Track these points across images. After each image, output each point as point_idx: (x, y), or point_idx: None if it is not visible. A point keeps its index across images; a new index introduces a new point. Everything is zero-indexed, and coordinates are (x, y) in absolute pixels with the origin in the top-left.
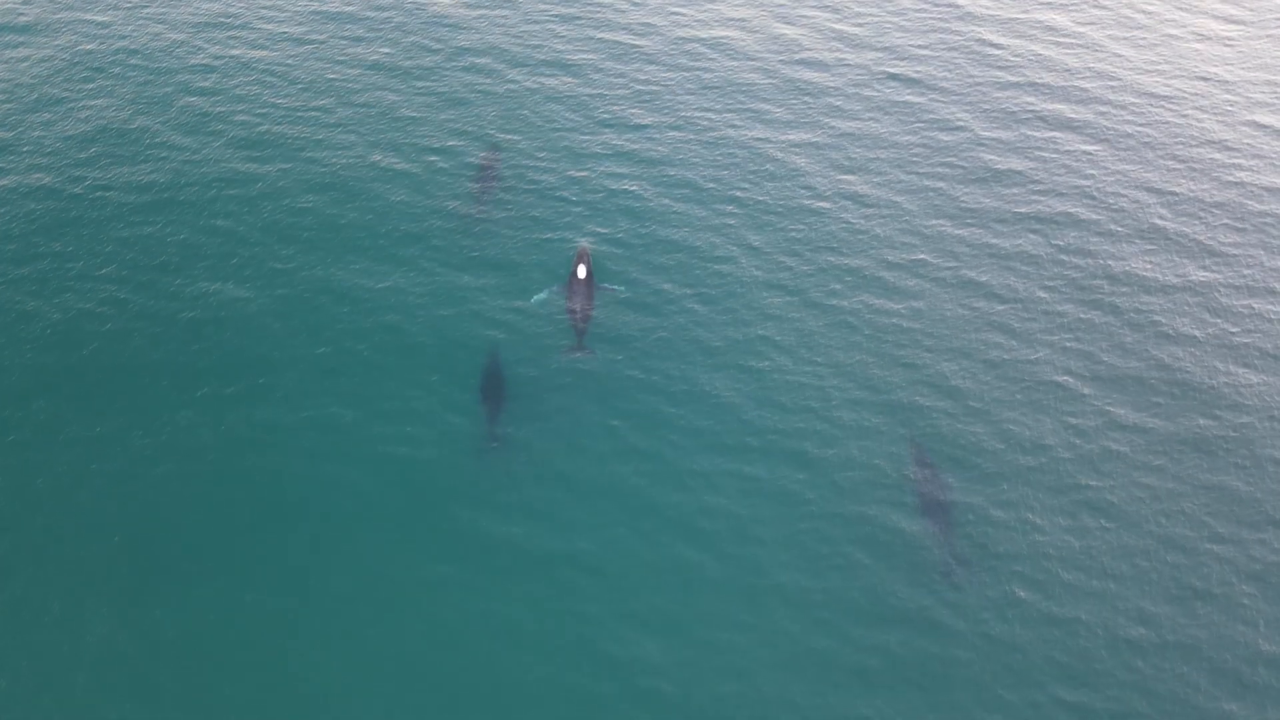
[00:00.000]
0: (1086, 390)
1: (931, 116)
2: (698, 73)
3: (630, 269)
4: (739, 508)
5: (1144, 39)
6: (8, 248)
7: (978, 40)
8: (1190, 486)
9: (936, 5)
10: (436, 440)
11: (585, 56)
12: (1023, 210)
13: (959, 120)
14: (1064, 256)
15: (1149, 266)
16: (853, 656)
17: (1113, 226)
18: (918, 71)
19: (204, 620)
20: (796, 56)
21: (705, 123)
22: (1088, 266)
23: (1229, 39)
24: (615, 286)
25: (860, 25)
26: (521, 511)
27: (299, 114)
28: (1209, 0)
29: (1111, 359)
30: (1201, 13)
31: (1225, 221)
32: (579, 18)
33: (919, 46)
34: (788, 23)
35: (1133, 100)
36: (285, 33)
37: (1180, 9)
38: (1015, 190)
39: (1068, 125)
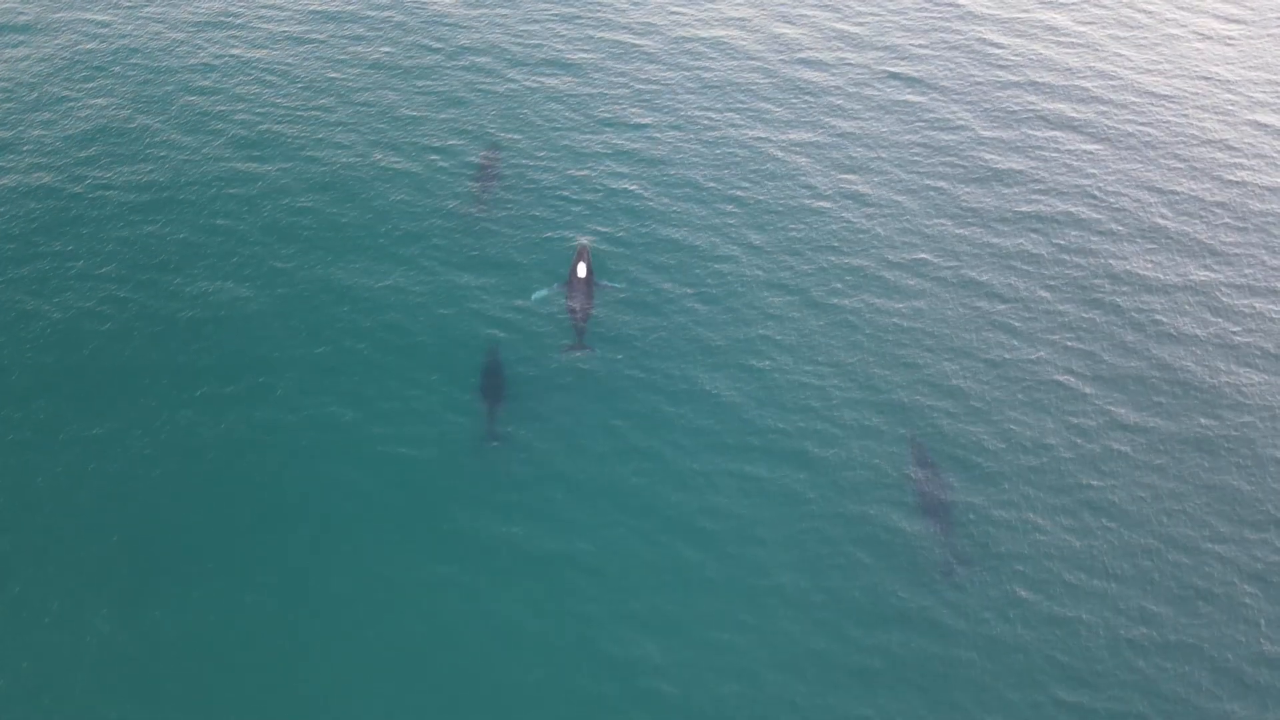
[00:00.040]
0: (1088, 390)
1: (932, 116)
2: (698, 72)
3: (631, 268)
4: (739, 507)
5: (1145, 38)
6: (8, 247)
7: (979, 39)
8: (1192, 486)
9: (937, 4)
10: (436, 440)
11: (586, 56)
12: (1024, 209)
13: (960, 120)
14: (1065, 256)
15: (1150, 266)
16: (853, 657)
17: (1114, 226)
18: (919, 71)
19: (204, 620)
20: (797, 56)
21: (706, 122)
22: (1089, 266)
23: (1230, 38)
24: (615, 284)
25: (861, 24)
26: (521, 511)
27: (299, 113)
28: None
29: (1113, 358)
30: (1202, 12)
31: (1226, 221)
32: (579, 17)
33: (920, 46)
34: (788, 22)
35: (1134, 99)
36: (285, 32)
37: (1181, 8)
38: (1016, 189)
39: (1069, 125)
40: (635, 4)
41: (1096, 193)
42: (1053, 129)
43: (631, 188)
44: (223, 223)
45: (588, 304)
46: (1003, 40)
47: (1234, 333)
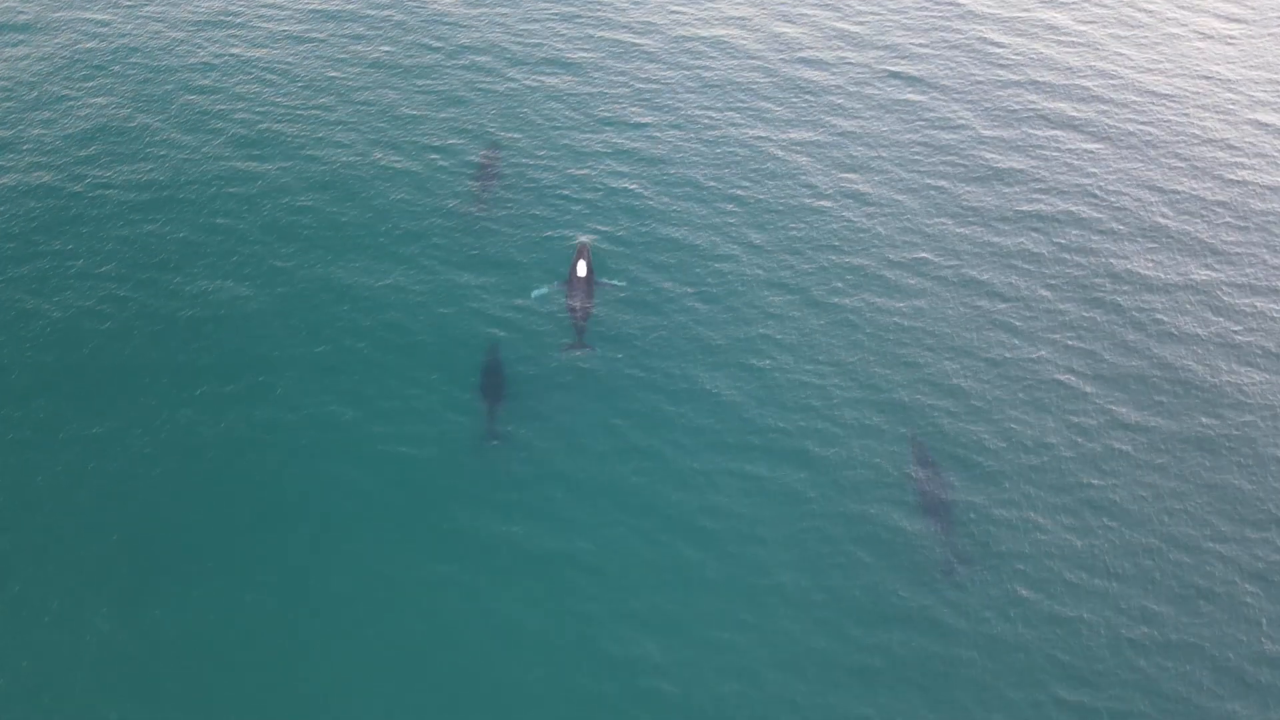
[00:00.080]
0: (1089, 389)
1: (933, 115)
2: (698, 71)
3: (631, 267)
4: (740, 507)
5: (1145, 37)
6: (8, 246)
7: (979, 39)
8: (1193, 485)
9: (938, 3)
10: (436, 439)
11: (586, 55)
12: (1025, 209)
13: (961, 119)
14: (1066, 255)
15: (1151, 265)
16: (854, 656)
17: (1115, 225)
18: (919, 70)
19: (204, 619)
20: (797, 55)
21: (706, 121)
22: (1090, 265)
23: (1231, 37)
24: (615, 282)
25: (861, 24)
26: (521, 510)
27: (299, 112)
28: None
29: (1114, 357)
30: (1203, 11)
31: (1227, 220)
32: (579, 16)
33: (920, 45)
34: (789, 21)
35: (1134, 99)
36: (285, 31)
37: (1182, 7)
38: (1017, 189)
39: (1069, 124)
40: (635, 3)
41: (1097, 192)
42: (1054, 128)
43: (632, 187)
44: (223, 221)
45: (588, 303)
46: (1003, 39)
47: (1235, 332)
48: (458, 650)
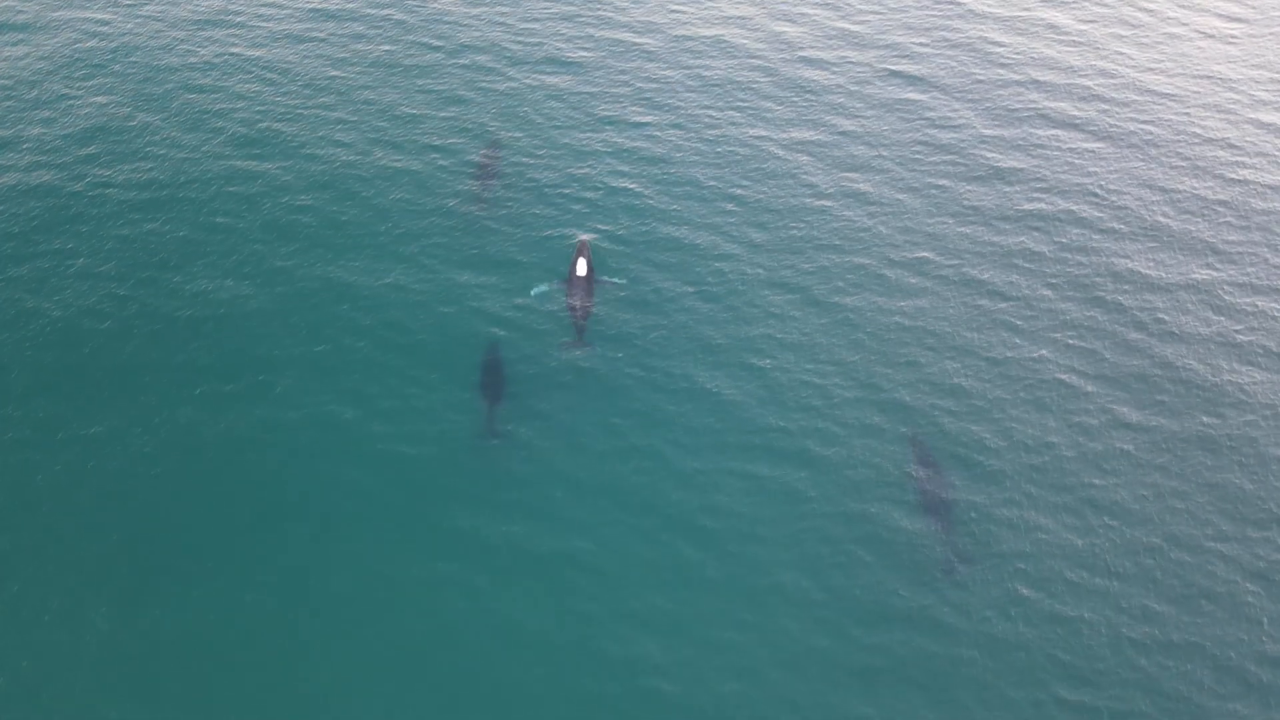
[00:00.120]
0: (1090, 388)
1: (934, 114)
2: (699, 70)
3: (631, 266)
4: (740, 506)
5: (1146, 37)
6: (8, 245)
7: (980, 38)
8: (1194, 484)
9: (938, 3)
10: (436, 438)
11: (586, 54)
12: (1026, 208)
13: (961, 118)
14: (1067, 254)
15: (1152, 264)
16: (855, 655)
17: (1116, 224)
18: (920, 69)
19: (204, 619)
20: (798, 54)
21: (706, 120)
22: (1091, 264)
23: (1232, 37)
24: (616, 281)
25: (862, 23)
26: (522, 510)
27: (299, 111)
28: None
29: (1115, 357)
30: (1204, 10)
31: (1228, 219)
32: (580, 15)
33: (921, 44)
34: (789, 20)
35: (1135, 98)
36: (285, 30)
37: (1183, 6)
38: (1018, 188)
39: (1070, 123)
40: (636, 2)
41: (1098, 191)
42: (1054, 127)
43: (632, 186)
44: (223, 221)
45: (588, 301)
46: (1004, 39)
47: (1236, 331)
48: (458, 650)
